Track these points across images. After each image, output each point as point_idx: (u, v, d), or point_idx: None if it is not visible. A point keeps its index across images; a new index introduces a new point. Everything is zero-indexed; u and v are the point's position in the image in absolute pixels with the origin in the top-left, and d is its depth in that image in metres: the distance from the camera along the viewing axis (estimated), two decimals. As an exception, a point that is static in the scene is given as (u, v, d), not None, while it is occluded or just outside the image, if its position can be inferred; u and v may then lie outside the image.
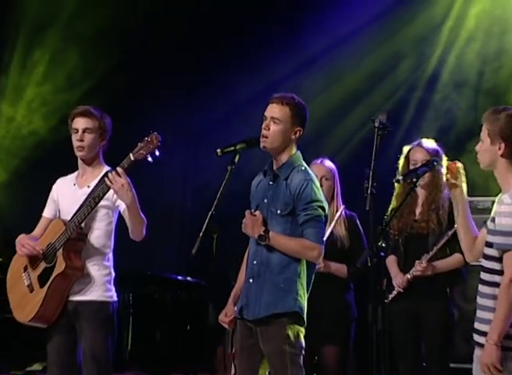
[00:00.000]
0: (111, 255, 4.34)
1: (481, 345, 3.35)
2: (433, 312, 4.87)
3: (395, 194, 5.02)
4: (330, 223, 4.81)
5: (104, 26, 7.74)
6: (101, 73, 7.96)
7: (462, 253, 3.97)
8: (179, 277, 5.91)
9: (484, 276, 3.43)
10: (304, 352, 3.89)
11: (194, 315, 5.66)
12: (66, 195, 4.39)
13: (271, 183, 3.97)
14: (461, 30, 7.54)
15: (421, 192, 5.00)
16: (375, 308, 4.50)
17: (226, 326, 4.10)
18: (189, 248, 3.83)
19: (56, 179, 4.53)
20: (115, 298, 4.31)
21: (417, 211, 5.00)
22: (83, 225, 4.24)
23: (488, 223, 3.45)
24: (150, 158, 4.09)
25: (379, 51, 7.80)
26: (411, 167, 4.85)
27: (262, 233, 3.85)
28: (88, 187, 4.30)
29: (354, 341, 5.00)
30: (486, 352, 3.30)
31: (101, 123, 4.35)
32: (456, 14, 7.59)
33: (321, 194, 3.92)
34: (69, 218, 4.26)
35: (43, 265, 4.27)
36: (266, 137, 3.92)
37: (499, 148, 3.42)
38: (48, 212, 4.46)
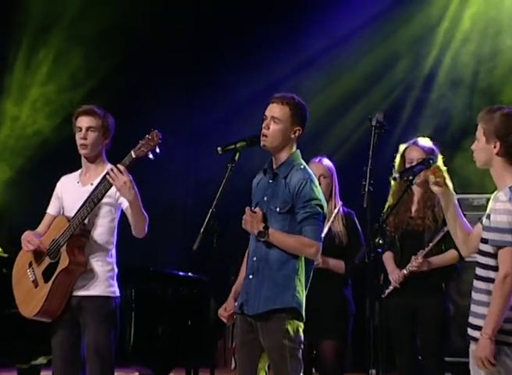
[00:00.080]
0: (114, 252, 4.35)
1: (476, 339, 3.36)
2: (429, 307, 4.87)
3: (391, 191, 5.02)
4: (328, 219, 4.82)
5: (107, 26, 7.75)
6: (103, 73, 7.97)
7: (457, 249, 3.98)
8: (181, 273, 5.91)
9: (479, 271, 3.44)
10: (302, 346, 3.90)
11: (195, 310, 5.66)
12: (70, 193, 4.40)
13: (270, 181, 3.98)
14: (457, 31, 7.56)
15: (416, 190, 5.01)
16: (373, 303, 4.52)
17: (225, 320, 4.11)
18: (190, 244, 3.84)
19: (60, 177, 4.53)
20: (117, 293, 4.32)
21: (413, 208, 5.01)
22: (86, 221, 4.25)
23: (484, 219, 3.45)
24: (151, 156, 4.10)
25: (377, 51, 7.82)
26: (407, 165, 4.85)
27: (262, 229, 3.86)
28: (91, 184, 4.30)
29: (352, 335, 5.01)
30: (480, 346, 3.31)
31: (104, 121, 4.36)
32: (451, 15, 7.61)
33: (319, 193, 3.92)
34: (72, 215, 4.27)
35: (47, 261, 4.28)
36: (266, 136, 3.92)
37: (495, 147, 3.42)
38: (52, 209, 4.47)
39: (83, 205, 4.22)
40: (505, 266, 3.31)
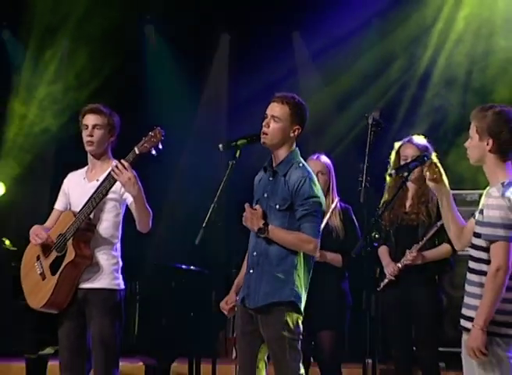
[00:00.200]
0: (119, 245, 4.35)
1: (468, 330, 3.37)
2: (423, 299, 4.88)
3: (386, 187, 5.03)
4: (325, 214, 4.82)
5: (111, 28, 7.74)
6: (107, 73, 7.97)
7: (450, 243, 3.99)
8: (184, 266, 5.92)
9: (472, 264, 3.45)
10: (301, 337, 3.91)
11: (198, 302, 5.67)
12: (76, 189, 4.41)
13: (270, 179, 3.98)
14: (451, 32, 7.55)
15: (411, 186, 5.01)
16: (369, 295, 4.53)
17: (226, 313, 4.13)
18: (193, 238, 3.84)
19: (67, 173, 4.54)
20: (122, 286, 4.32)
21: (408, 204, 5.02)
22: (92, 216, 4.26)
23: (477, 214, 3.46)
24: (154, 152, 4.11)
25: (374, 51, 7.82)
26: (402, 162, 4.85)
27: (261, 226, 3.86)
28: (97, 180, 4.31)
29: (349, 326, 5.02)
30: (472, 336, 3.32)
31: (109, 119, 4.37)
32: (446, 17, 7.60)
33: (318, 190, 3.92)
34: (78, 210, 4.28)
35: (54, 254, 4.29)
36: (266, 134, 3.93)
37: (487, 144, 3.43)
38: (59, 205, 4.48)
39: (88, 200, 4.23)
40: (497, 259, 3.33)
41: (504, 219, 3.33)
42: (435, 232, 4.88)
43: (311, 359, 5.05)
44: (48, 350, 5.03)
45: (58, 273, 4.21)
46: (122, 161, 4.11)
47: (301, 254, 3.88)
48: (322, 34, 7.57)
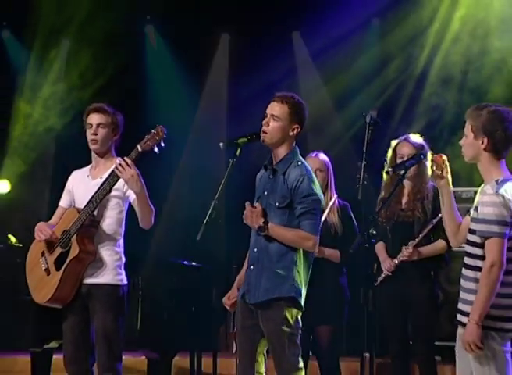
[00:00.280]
0: (121, 242, 4.36)
1: (464, 324, 3.38)
2: (419, 294, 4.89)
3: (383, 185, 5.04)
4: (324, 211, 4.83)
5: (113, 29, 7.75)
6: (110, 73, 7.98)
7: (445, 240, 4.00)
8: (185, 262, 5.93)
9: (467, 260, 3.46)
10: (300, 332, 3.92)
11: (199, 297, 5.68)
12: (80, 186, 4.42)
13: (270, 177, 3.99)
14: (447, 33, 7.55)
15: (407, 183, 5.02)
16: (366, 290, 4.54)
17: (228, 308, 4.14)
18: (194, 235, 3.85)
19: (71, 171, 4.55)
20: (125, 281, 4.33)
21: (404, 201, 5.02)
22: (95, 213, 4.27)
23: (472, 211, 3.47)
24: (156, 149, 4.11)
25: (372, 50, 7.82)
26: (398, 160, 4.87)
27: (261, 224, 3.87)
28: (101, 178, 4.32)
29: (347, 321, 5.03)
30: (468, 331, 3.33)
31: (113, 118, 4.38)
32: (442, 17, 7.60)
33: (317, 188, 3.92)
34: (82, 207, 4.29)
35: (59, 250, 4.30)
36: (266, 133, 3.94)
37: (482, 143, 3.44)
38: (63, 202, 4.50)
39: (92, 197, 4.24)
40: (491, 255, 3.34)
41: (498, 216, 3.34)
42: (430, 229, 4.89)
43: (310, 353, 5.07)
44: (53, 344, 5.05)
45: (63, 268, 4.23)
46: (126, 158, 4.12)
47: (301, 250, 3.89)
48: (322, 34, 7.56)
